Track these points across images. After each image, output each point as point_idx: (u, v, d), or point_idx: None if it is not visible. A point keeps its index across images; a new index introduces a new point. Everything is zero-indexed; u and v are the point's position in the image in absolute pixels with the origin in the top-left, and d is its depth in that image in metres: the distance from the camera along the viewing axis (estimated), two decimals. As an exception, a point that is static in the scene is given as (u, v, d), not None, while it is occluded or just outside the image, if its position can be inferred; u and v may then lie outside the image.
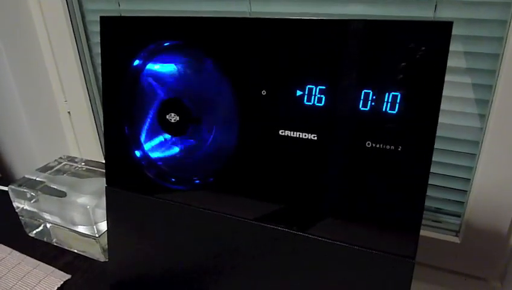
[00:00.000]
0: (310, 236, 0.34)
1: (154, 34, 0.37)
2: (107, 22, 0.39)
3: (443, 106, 0.58)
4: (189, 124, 0.37)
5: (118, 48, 0.40)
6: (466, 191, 0.63)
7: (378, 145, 0.30)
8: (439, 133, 0.61)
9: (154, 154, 0.42)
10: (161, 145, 0.41)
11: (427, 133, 0.29)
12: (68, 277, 0.56)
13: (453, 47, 0.55)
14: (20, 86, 0.89)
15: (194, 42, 0.35)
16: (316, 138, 0.32)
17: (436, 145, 0.61)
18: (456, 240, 0.65)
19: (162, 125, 0.39)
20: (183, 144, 0.39)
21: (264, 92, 0.33)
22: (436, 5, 0.54)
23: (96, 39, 0.84)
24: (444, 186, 0.65)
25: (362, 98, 0.31)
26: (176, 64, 0.38)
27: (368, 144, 0.30)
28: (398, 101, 0.30)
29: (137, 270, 0.45)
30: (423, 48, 0.28)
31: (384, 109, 0.30)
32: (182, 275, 0.42)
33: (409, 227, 0.30)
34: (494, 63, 0.54)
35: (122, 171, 0.43)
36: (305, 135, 0.32)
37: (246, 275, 0.38)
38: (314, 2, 0.61)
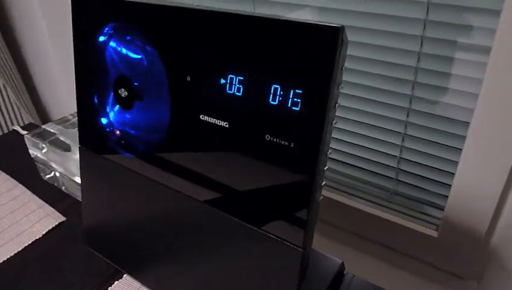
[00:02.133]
0: (219, 212, 0.37)
1: (110, 14, 0.40)
2: (76, 1, 0.43)
3: (434, 96, 0.56)
4: (134, 100, 0.41)
5: (85, 24, 0.43)
6: (449, 185, 0.61)
7: (275, 139, 0.32)
8: (430, 124, 0.59)
9: (116, 123, 0.46)
10: (119, 115, 0.45)
11: (316, 132, 0.30)
12: (64, 219, 0.65)
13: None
14: (52, 37, 0.97)
15: (132, 25, 0.38)
16: (227, 126, 0.34)
17: (427, 136, 0.60)
18: (434, 234, 0.64)
19: (116, 98, 0.43)
20: (132, 117, 0.43)
21: (188, 78, 0.35)
22: None
23: None
24: (431, 179, 0.64)
25: (272, 92, 0.32)
26: (129, 44, 0.41)
27: (267, 137, 0.32)
28: (299, 99, 0.31)
29: (104, 226, 0.51)
30: (315, 50, 0.28)
31: (289, 105, 0.31)
32: (138, 235, 0.48)
33: (297, 220, 0.32)
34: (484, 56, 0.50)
35: (91, 134, 0.48)
36: (219, 122, 0.35)
37: (172, 236, 0.43)
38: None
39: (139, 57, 0.40)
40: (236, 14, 0.32)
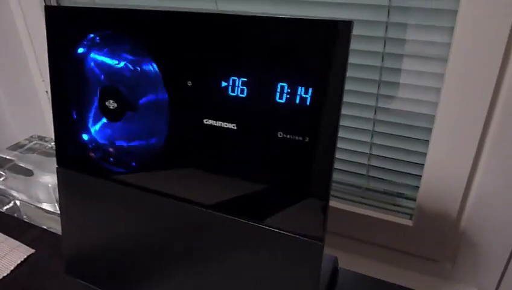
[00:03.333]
0: (231, 217, 0.36)
1: (91, 23, 0.39)
2: (50, 12, 0.41)
3: (399, 93, 0.60)
4: (126, 111, 0.39)
5: (62, 36, 0.41)
6: (420, 175, 0.65)
7: (288, 136, 0.32)
8: (397, 120, 0.63)
9: (100, 138, 0.44)
10: (106, 129, 0.43)
11: (331, 126, 0.30)
12: (32, 251, 0.59)
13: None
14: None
15: (124, 33, 0.37)
16: (235, 127, 0.34)
17: (394, 132, 0.64)
18: (409, 223, 0.67)
19: (102, 111, 0.40)
20: (123, 129, 0.41)
21: (189, 83, 0.35)
22: None
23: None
24: (402, 172, 0.67)
25: (278, 90, 0.32)
26: (115, 53, 0.40)
27: (280, 134, 0.32)
28: (308, 95, 0.31)
29: (89, 250, 0.48)
30: (326, 46, 0.29)
31: (297, 102, 0.32)
32: (128, 254, 0.45)
33: (316, 213, 0.32)
34: (445, 52, 0.55)
35: (71, 153, 0.45)
36: (226, 125, 0.34)
37: (172, 250, 0.41)
38: (274, 2, 0.62)
39: (130, 65, 0.39)
40: (237, 15, 0.32)
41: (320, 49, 0.30)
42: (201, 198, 0.38)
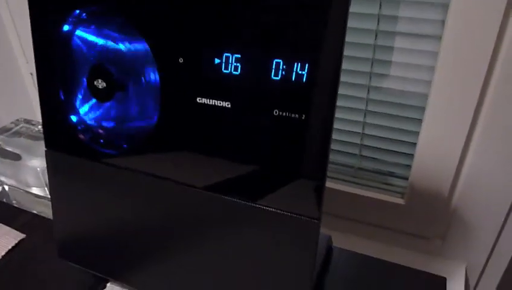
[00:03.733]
0: (226, 198, 0.36)
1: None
2: (33, -14, 0.39)
3: (392, 71, 0.60)
4: (115, 91, 0.38)
5: (46, 13, 0.39)
6: (412, 154, 0.65)
7: (284, 114, 0.31)
8: (390, 99, 0.63)
9: (89, 119, 0.42)
10: (95, 109, 0.42)
11: (327, 103, 0.30)
12: (23, 236, 0.58)
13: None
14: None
15: (112, 8, 0.35)
16: (229, 106, 0.33)
17: (387, 111, 0.63)
18: (401, 201, 0.68)
19: (91, 91, 0.39)
20: (113, 109, 0.40)
21: (181, 60, 0.34)
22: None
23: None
24: (394, 151, 0.67)
25: (273, 67, 0.31)
26: (102, 30, 0.38)
27: (276, 112, 0.32)
28: (305, 71, 0.30)
29: (81, 233, 0.47)
30: (322, 19, 0.28)
31: (293, 79, 0.31)
32: (122, 236, 0.45)
33: (313, 191, 0.32)
34: (439, 30, 0.54)
35: (60, 135, 0.44)
36: (220, 103, 0.33)
37: (166, 232, 0.40)
38: None
39: (118, 43, 0.37)
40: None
41: (316, 22, 0.29)
42: (195, 179, 0.37)
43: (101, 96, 0.39)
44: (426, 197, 0.65)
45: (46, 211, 0.62)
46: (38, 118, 0.84)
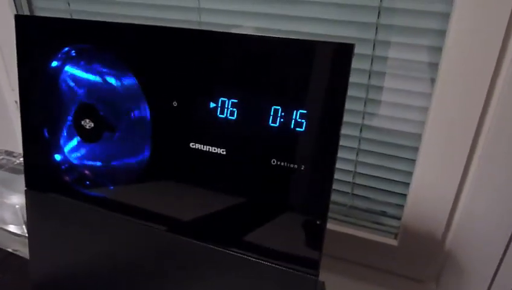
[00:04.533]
0: (216, 248, 0.34)
1: (68, 36, 0.36)
2: (21, 21, 0.37)
3: (385, 111, 0.60)
4: (103, 131, 0.36)
5: (34, 48, 0.38)
6: (405, 195, 0.64)
7: (282, 163, 0.30)
8: (383, 138, 0.62)
9: (74, 158, 0.40)
10: (80, 148, 0.40)
11: (329, 153, 0.29)
12: (-3, 277, 0.55)
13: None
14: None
15: (105, 47, 0.34)
16: (224, 153, 0.32)
17: (380, 150, 0.63)
18: (394, 242, 0.66)
19: (77, 131, 0.37)
20: (99, 149, 0.38)
21: (175, 103, 0.32)
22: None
23: (43, 27, 0.80)
24: (387, 190, 0.66)
25: (272, 114, 0.30)
26: (92, 69, 0.37)
27: (273, 161, 0.30)
28: (304, 119, 0.29)
29: (58, 272, 0.44)
30: (326, 68, 0.28)
31: (292, 127, 0.30)
32: (98, 277, 0.42)
33: (311, 246, 0.30)
34: (434, 72, 0.55)
35: (42, 174, 0.41)
36: (215, 149, 0.32)
37: (153, 279, 0.38)
38: (266, 16, 0.60)
39: (109, 82, 0.36)
40: (226, 33, 0.30)
41: (319, 72, 0.28)
42: (183, 226, 0.35)
43: (88, 136, 0.37)
44: (419, 239, 0.64)
45: (22, 250, 0.58)
46: (21, 149, 0.81)
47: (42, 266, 0.45)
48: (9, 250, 0.59)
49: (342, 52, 0.27)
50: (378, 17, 0.55)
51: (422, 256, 0.65)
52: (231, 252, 0.33)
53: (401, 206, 0.66)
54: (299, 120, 0.29)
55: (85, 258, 0.42)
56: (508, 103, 0.50)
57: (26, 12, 0.79)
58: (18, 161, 0.67)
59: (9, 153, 0.69)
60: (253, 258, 0.32)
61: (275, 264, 0.32)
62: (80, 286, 0.43)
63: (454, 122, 0.54)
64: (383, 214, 0.69)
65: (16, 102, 0.90)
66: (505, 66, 0.49)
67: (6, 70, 0.86)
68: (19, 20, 0.37)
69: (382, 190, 0.66)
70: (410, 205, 0.63)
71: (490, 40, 0.48)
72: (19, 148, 0.89)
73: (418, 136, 0.59)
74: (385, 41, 0.56)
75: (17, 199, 0.54)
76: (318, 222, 0.29)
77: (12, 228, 0.56)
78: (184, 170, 0.33)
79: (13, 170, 0.64)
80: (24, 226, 0.54)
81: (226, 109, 0.32)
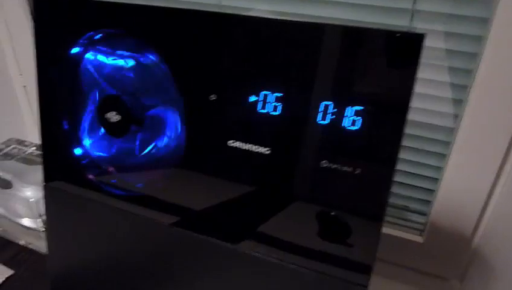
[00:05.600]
0: (259, 256, 0.31)
1: (94, 20, 0.32)
2: (41, 3, 0.34)
3: (416, 103, 0.56)
4: (131, 125, 0.33)
5: (54, 33, 0.35)
6: (433, 190, 0.61)
7: (334, 166, 0.27)
8: (412, 131, 0.59)
9: (96, 153, 0.38)
10: (103, 143, 0.37)
11: (389, 156, 0.26)
12: (11, 272, 0.53)
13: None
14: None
15: (137, 33, 0.31)
16: (269, 152, 0.29)
17: (409, 143, 0.60)
18: (420, 239, 0.64)
19: (102, 124, 0.34)
20: (126, 145, 0.35)
21: (213, 97, 0.29)
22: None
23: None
24: (413, 185, 0.64)
25: (321, 110, 0.27)
26: (119, 57, 0.34)
27: (324, 163, 0.27)
28: (360, 117, 0.26)
29: (76, 267, 0.42)
30: (392, 60, 0.24)
31: (343, 125, 0.27)
32: (117, 273, 0.40)
33: (364, 255, 0.28)
34: (471, 63, 0.51)
35: (61, 169, 0.39)
36: (257, 148, 0.29)
37: (175, 280, 0.36)
38: (288, 1, 0.56)
39: (137, 70, 0.33)
40: (275, 20, 0.27)
41: (382, 64, 0.25)
42: (220, 230, 0.32)
43: (114, 130, 0.34)
44: (447, 236, 0.62)
45: (36, 243, 0.56)
46: (31, 137, 0.78)
47: (60, 260, 0.43)
48: (22, 243, 0.57)
49: (411, 43, 0.24)
50: (414, 2, 0.51)
51: (448, 254, 0.63)
52: (274, 260, 0.30)
53: (427, 202, 0.63)
54: (354, 118, 0.26)
55: (103, 252, 0.40)
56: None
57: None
58: (30, 151, 0.64)
59: (20, 142, 0.66)
60: (302, 267, 0.30)
61: (321, 272, 0.29)
62: (97, 279, 0.42)
63: (492, 117, 0.51)
64: (408, 209, 0.66)
65: (25, 87, 0.87)
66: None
67: (15, 55, 0.83)
68: (39, 2, 0.34)
69: (408, 184, 0.64)
70: (438, 201, 0.60)
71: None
72: (27, 135, 0.87)
73: (450, 130, 0.56)
74: (421, 28, 0.52)
75: (31, 192, 0.52)
76: (372, 230, 0.27)
77: (25, 222, 0.54)
78: (220, 169, 0.30)
79: (25, 160, 0.61)
80: (39, 220, 0.52)
81: (268, 104, 0.29)
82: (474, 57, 0.50)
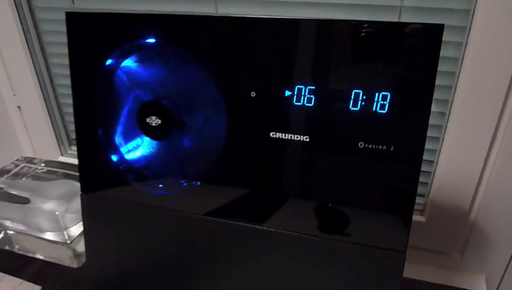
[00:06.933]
0: (310, 237, 0.34)
1: (129, 32, 0.35)
2: (73, 19, 0.36)
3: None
4: (172, 128, 0.36)
5: (88, 46, 0.37)
6: (430, 172, 0.66)
7: (370, 146, 0.30)
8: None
9: (133, 158, 0.40)
10: (140, 148, 0.39)
11: (418, 132, 0.29)
12: (38, 288, 0.53)
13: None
14: None
15: (175, 43, 0.33)
16: (308, 140, 0.32)
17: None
18: (422, 219, 0.68)
19: (142, 129, 0.37)
20: (165, 147, 0.38)
21: (253, 94, 0.32)
22: None
23: (45, 27, 0.78)
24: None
25: (352, 98, 0.31)
26: (154, 64, 0.36)
27: (361, 144, 0.31)
28: (388, 101, 0.30)
29: (117, 275, 0.44)
30: (414, 50, 0.28)
31: (374, 109, 0.30)
32: (160, 277, 0.42)
33: (400, 223, 0.31)
34: (458, 51, 0.56)
35: (99, 177, 0.40)
36: (297, 137, 0.32)
37: (224, 275, 0.38)
38: (282, 4, 0.60)
39: (175, 75, 0.35)
40: (303, 20, 0.30)
41: (405, 54, 0.28)
42: (262, 216, 0.35)
43: (156, 134, 0.36)
44: (446, 214, 0.66)
45: (60, 257, 0.57)
46: (24, 154, 0.78)
47: (100, 268, 0.44)
48: (40, 257, 0.58)
49: (431, 33, 0.27)
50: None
51: (448, 230, 0.68)
52: (324, 239, 0.33)
53: (425, 184, 0.68)
54: (382, 102, 0.30)
55: (143, 253, 0.42)
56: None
57: (27, 13, 0.76)
58: (39, 168, 0.65)
59: (29, 160, 0.67)
60: (343, 241, 0.33)
61: (368, 245, 0.33)
62: (137, 280, 0.43)
63: (481, 97, 0.56)
64: (408, 192, 0.71)
65: (19, 107, 0.87)
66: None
67: (8, 74, 0.83)
68: (71, 17, 0.36)
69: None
70: (436, 182, 0.65)
71: None
72: (21, 154, 0.86)
73: (442, 115, 0.61)
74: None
75: (54, 206, 0.53)
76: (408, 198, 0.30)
77: (49, 236, 0.55)
78: (265, 159, 0.33)
79: (37, 178, 0.62)
80: (65, 233, 0.53)
81: (302, 96, 0.32)
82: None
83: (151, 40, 0.34)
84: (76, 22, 0.36)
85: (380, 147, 0.30)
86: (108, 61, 0.37)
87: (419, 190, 0.69)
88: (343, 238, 0.33)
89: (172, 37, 0.33)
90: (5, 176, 0.62)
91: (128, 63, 0.37)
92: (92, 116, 0.39)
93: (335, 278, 0.34)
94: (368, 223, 0.32)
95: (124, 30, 0.35)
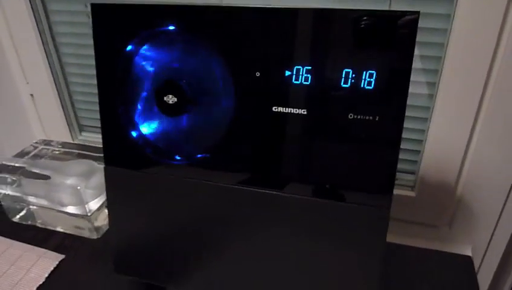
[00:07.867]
0: (302, 197, 0.39)
1: (147, 21, 0.40)
2: (98, 10, 0.41)
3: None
4: (186, 105, 0.41)
5: (111, 34, 0.41)
6: (419, 151, 0.71)
7: (358, 117, 0.36)
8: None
9: (150, 133, 0.45)
10: (157, 124, 0.44)
11: (399, 104, 0.34)
12: (62, 256, 0.58)
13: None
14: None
15: (189, 30, 0.38)
16: (305, 113, 0.37)
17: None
18: (412, 194, 0.74)
19: (159, 107, 0.42)
20: (180, 123, 0.43)
21: (258, 74, 0.37)
22: None
23: (56, 18, 0.82)
24: (402, 148, 0.73)
25: (343, 76, 0.36)
26: (171, 49, 0.41)
27: (350, 115, 0.36)
28: (373, 78, 0.35)
29: (139, 245, 0.49)
30: (395, 34, 0.33)
31: (362, 86, 0.35)
32: (181, 244, 0.47)
33: (385, 181, 0.37)
34: (443, 37, 0.61)
35: (120, 151, 0.45)
36: (296, 110, 0.37)
37: (238, 237, 0.43)
38: None
39: (190, 59, 0.40)
40: (300, 9, 0.35)
41: (387, 38, 0.33)
42: (269, 180, 0.40)
43: (171, 111, 0.41)
44: (435, 188, 0.71)
45: (80, 229, 0.62)
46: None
47: (123, 239, 0.49)
48: (61, 230, 0.63)
49: (409, 20, 0.32)
50: (392, -10, 0.60)
51: (437, 204, 0.73)
52: (310, 198, 0.39)
53: (414, 162, 0.73)
54: (369, 79, 0.35)
55: (163, 226, 0.47)
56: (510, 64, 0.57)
57: (42, 13, 0.80)
58: (57, 149, 0.70)
59: (47, 143, 0.71)
60: (340, 203, 0.39)
61: (356, 204, 0.38)
62: (159, 253, 0.48)
63: (465, 82, 0.60)
64: (399, 170, 0.76)
65: (32, 95, 0.91)
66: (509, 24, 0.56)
67: (21, 63, 0.87)
68: (95, 8, 0.41)
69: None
70: (425, 160, 0.70)
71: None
72: (34, 140, 0.91)
73: (430, 97, 0.66)
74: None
75: (77, 181, 0.58)
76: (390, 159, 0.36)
77: (70, 209, 0.60)
78: (268, 130, 0.38)
79: (55, 158, 0.67)
80: (86, 206, 0.58)
81: (300, 76, 0.37)
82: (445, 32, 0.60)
83: (168, 28, 0.39)
84: (100, 12, 0.41)
85: (367, 117, 0.35)
86: (129, 47, 0.42)
87: (410, 167, 0.74)
88: (335, 199, 0.38)
89: (186, 26, 0.38)
90: (26, 157, 0.67)
91: (147, 48, 0.42)
92: (114, 97, 0.44)
93: (328, 239, 0.40)
94: (358, 184, 0.38)
95: (142, 19, 0.40)
